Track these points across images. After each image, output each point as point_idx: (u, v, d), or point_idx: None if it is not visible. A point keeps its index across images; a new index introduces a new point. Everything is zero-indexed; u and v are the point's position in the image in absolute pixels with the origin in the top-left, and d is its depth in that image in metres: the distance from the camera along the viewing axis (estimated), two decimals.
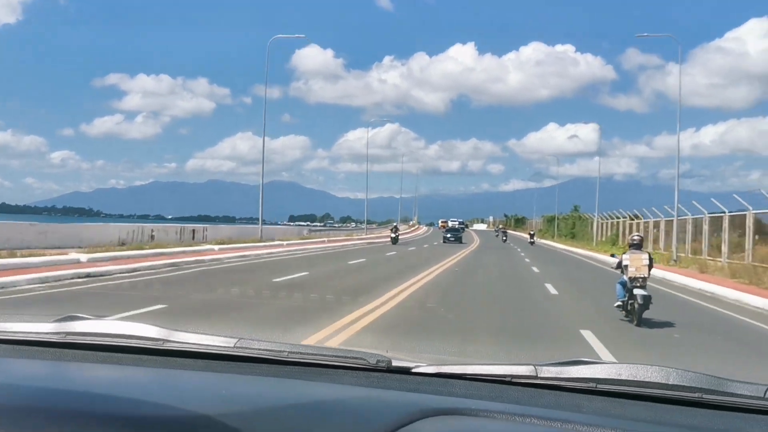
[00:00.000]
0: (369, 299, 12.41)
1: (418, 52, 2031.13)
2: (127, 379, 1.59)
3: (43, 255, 18.23)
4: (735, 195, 27.09)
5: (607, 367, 1.59)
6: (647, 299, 10.76)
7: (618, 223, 49.37)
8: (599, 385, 1.55)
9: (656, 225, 39.30)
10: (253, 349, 1.72)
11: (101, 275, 15.62)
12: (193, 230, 34.80)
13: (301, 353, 1.72)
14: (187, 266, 19.44)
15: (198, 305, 11.75)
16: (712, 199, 29.90)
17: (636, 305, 10.82)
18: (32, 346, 1.76)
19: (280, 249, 30.58)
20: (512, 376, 1.60)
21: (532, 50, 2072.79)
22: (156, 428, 1.17)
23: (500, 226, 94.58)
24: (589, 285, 20.42)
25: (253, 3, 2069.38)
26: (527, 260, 32.74)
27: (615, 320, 11.29)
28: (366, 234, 59.25)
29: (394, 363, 1.66)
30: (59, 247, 22.10)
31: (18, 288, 12.72)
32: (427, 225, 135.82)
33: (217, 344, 1.74)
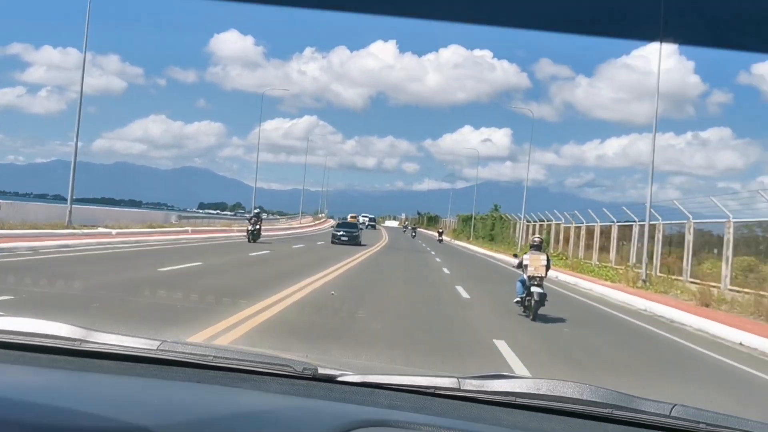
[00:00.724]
0: None
1: (339, 46, 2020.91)
2: (41, 382, 1.50)
3: None
4: (676, 205, 25.16)
5: (526, 382, 1.65)
6: (543, 296, 11.74)
7: (550, 226, 41.91)
8: (518, 399, 1.60)
9: (604, 232, 32.02)
10: (177, 352, 1.69)
11: None
12: None
13: (226, 358, 1.69)
14: None
15: None
16: (624, 208, 30.68)
17: (533, 302, 11.73)
18: None
19: (89, 241, 20.91)
20: (435, 388, 1.63)
21: (452, 53, 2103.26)
22: None
23: (407, 224, 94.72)
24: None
25: None
26: (446, 270, 25.05)
27: None
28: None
29: (320, 371, 1.67)
30: None
31: None
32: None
33: (139, 346, 1.69)
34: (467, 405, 1.59)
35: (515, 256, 14.77)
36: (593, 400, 1.57)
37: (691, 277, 21.34)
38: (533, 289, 11.73)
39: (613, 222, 30.72)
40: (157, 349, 1.68)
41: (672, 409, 1.55)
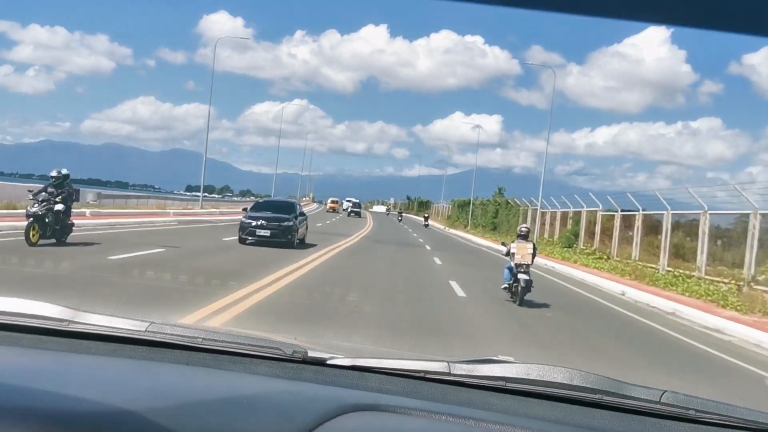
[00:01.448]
0: None
1: (330, 29, 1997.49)
2: (28, 363, 1.48)
3: None
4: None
5: (516, 367, 1.64)
6: (529, 283, 12.32)
7: (579, 214, 32.42)
8: (509, 384, 1.61)
9: (650, 224, 23.16)
10: (166, 334, 1.68)
11: None
12: None
13: (215, 340, 1.68)
14: None
15: None
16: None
17: (519, 288, 12.26)
18: None
19: None
20: (426, 372, 1.63)
21: (443, 38, 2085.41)
22: (61, 419, 1.07)
23: (390, 208, 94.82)
24: None
25: None
26: (455, 286, 15.56)
27: None
28: (201, 208, 40.07)
29: (310, 353, 1.66)
30: None
31: None
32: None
33: (127, 327, 1.69)
34: (458, 389, 1.60)
35: (503, 244, 14.64)
36: (583, 385, 1.59)
37: None
38: (520, 276, 12.30)
39: (665, 211, 23.37)
40: (145, 331, 1.67)
41: (662, 395, 1.57)
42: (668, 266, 22.15)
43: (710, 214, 20.30)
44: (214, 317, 7.89)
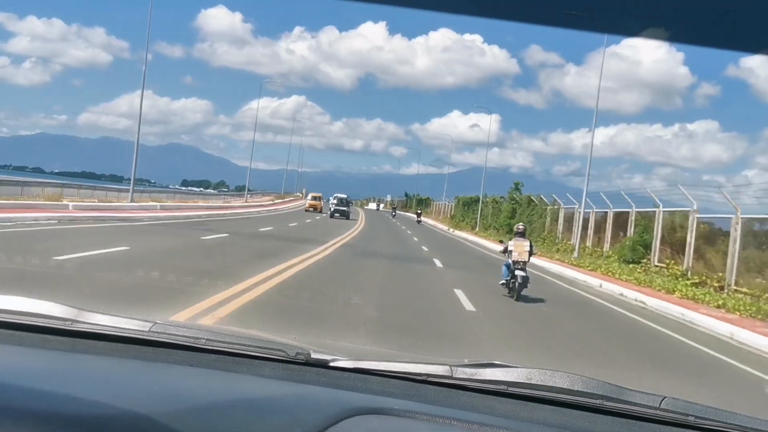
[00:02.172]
0: None
1: (328, 26, 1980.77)
2: (31, 363, 1.48)
3: None
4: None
5: (518, 371, 1.64)
6: (525, 279, 12.55)
7: (652, 216, 22.85)
8: (510, 388, 1.61)
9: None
10: (170, 334, 1.68)
11: None
12: None
13: (219, 341, 1.69)
14: None
15: None
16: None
17: (516, 284, 12.52)
18: None
19: None
20: (428, 375, 1.63)
21: (441, 36, 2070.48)
22: (65, 420, 1.06)
23: (379, 205, 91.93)
24: None
25: None
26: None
27: None
28: (132, 201, 30.30)
29: (313, 355, 1.66)
30: None
31: None
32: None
33: (131, 327, 1.68)
34: (459, 393, 1.60)
35: (501, 242, 15.22)
36: (584, 390, 1.59)
37: None
38: (517, 272, 12.55)
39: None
40: (149, 331, 1.67)
41: (662, 401, 1.58)
42: None
43: None
44: None
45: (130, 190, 30.08)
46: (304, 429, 1.20)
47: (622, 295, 16.88)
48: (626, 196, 25.40)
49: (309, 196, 63.98)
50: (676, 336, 11.32)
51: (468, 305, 11.21)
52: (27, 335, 1.61)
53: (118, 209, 25.45)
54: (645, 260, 21.65)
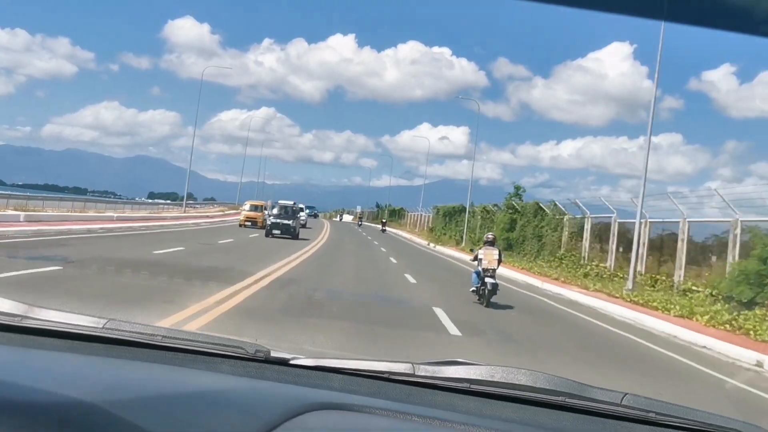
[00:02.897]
0: None
1: (297, 38, 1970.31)
2: None
3: None
4: None
5: (481, 369, 1.62)
6: (495, 286, 12.92)
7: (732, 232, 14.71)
8: (473, 386, 1.59)
9: None
10: (124, 331, 1.64)
11: None
12: None
13: (176, 338, 1.65)
14: None
15: None
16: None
17: (486, 291, 12.90)
18: None
19: None
20: (390, 373, 1.61)
21: (410, 49, 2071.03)
22: (11, 413, 1.01)
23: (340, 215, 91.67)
24: None
25: None
26: None
27: None
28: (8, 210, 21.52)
29: (273, 353, 1.64)
30: None
31: None
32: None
33: (84, 324, 1.63)
34: (422, 390, 1.59)
35: (471, 251, 15.68)
36: (547, 387, 1.58)
37: None
38: (487, 279, 12.92)
39: None
40: (103, 327, 1.63)
41: (623, 398, 1.57)
42: None
43: None
44: None
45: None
46: (260, 422, 1.17)
47: None
48: (727, 202, 16.95)
49: (246, 205, 43.50)
50: None
51: None
52: None
53: None
54: None
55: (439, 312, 11.49)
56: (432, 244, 43.66)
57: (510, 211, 33.95)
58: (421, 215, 67.90)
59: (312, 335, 7.97)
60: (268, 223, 31.82)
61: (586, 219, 24.69)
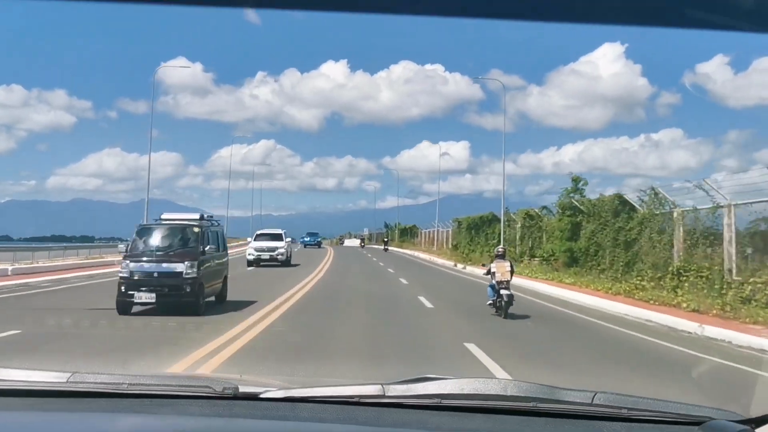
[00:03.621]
0: None
1: (289, 68, 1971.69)
2: None
3: None
4: None
5: (450, 383, 1.60)
6: (511, 297, 13.25)
7: None
8: (443, 401, 1.57)
9: None
10: (89, 383, 1.59)
11: None
12: None
13: (141, 384, 1.60)
14: None
15: None
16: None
17: (503, 302, 13.18)
18: None
19: None
20: (360, 396, 1.59)
21: (403, 69, 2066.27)
22: None
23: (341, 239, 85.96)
24: None
25: (111, 14, 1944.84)
26: None
27: None
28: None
29: (242, 389, 1.59)
30: None
31: None
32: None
33: (47, 380, 1.60)
34: (393, 411, 1.56)
35: (483, 265, 16.49)
36: (517, 395, 1.56)
37: None
38: (502, 291, 13.24)
39: None
40: (67, 382, 1.58)
41: (594, 396, 1.55)
42: None
43: None
44: None
45: None
46: None
47: None
48: None
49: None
50: None
51: None
52: None
53: None
54: None
55: None
56: (460, 265, 34.97)
57: (568, 213, 25.18)
58: (438, 231, 59.14)
59: None
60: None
61: (727, 209, 15.68)
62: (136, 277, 12.83)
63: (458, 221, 48.85)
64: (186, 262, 12.87)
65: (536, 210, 31.08)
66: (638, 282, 17.74)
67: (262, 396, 1.57)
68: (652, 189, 19.26)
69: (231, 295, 15.33)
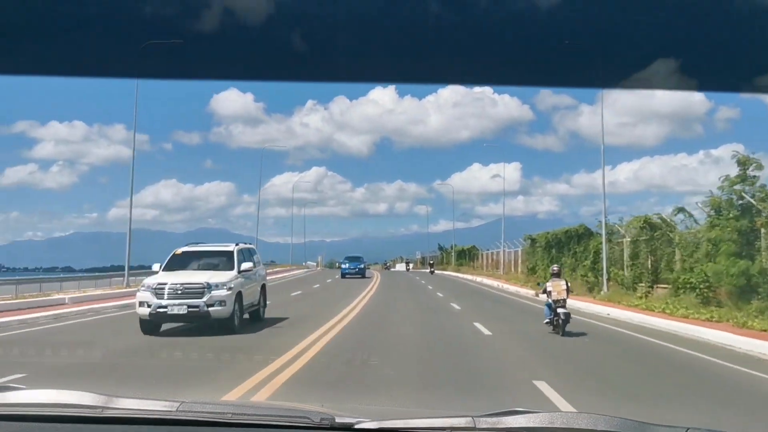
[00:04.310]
0: None
1: (338, 96, 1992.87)
2: None
3: None
4: None
5: (541, 416, 1.61)
6: (568, 315, 13.46)
7: None
8: None
9: None
10: (196, 412, 1.68)
11: None
12: None
13: (244, 414, 1.69)
14: None
15: None
16: None
17: (560, 321, 13.39)
18: None
19: None
20: (452, 428, 1.60)
21: (451, 92, 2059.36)
22: None
23: (408, 266, 77.92)
24: None
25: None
26: None
27: None
28: None
29: (337, 420, 1.65)
30: None
31: None
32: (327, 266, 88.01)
33: (159, 408, 1.68)
34: None
35: (538, 285, 16.32)
36: (608, 430, 1.54)
37: None
38: (559, 310, 13.44)
39: None
40: (176, 410, 1.67)
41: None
42: None
43: None
44: None
45: None
46: None
47: None
48: None
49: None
50: None
51: None
52: (60, 426, 1.58)
53: None
54: None
55: None
56: (542, 295, 26.59)
57: (731, 215, 16.50)
58: (504, 252, 50.62)
59: None
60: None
61: None
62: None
63: (531, 238, 40.24)
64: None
65: (663, 216, 22.18)
66: None
67: (356, 427, 1.62)
68: None
69: None
